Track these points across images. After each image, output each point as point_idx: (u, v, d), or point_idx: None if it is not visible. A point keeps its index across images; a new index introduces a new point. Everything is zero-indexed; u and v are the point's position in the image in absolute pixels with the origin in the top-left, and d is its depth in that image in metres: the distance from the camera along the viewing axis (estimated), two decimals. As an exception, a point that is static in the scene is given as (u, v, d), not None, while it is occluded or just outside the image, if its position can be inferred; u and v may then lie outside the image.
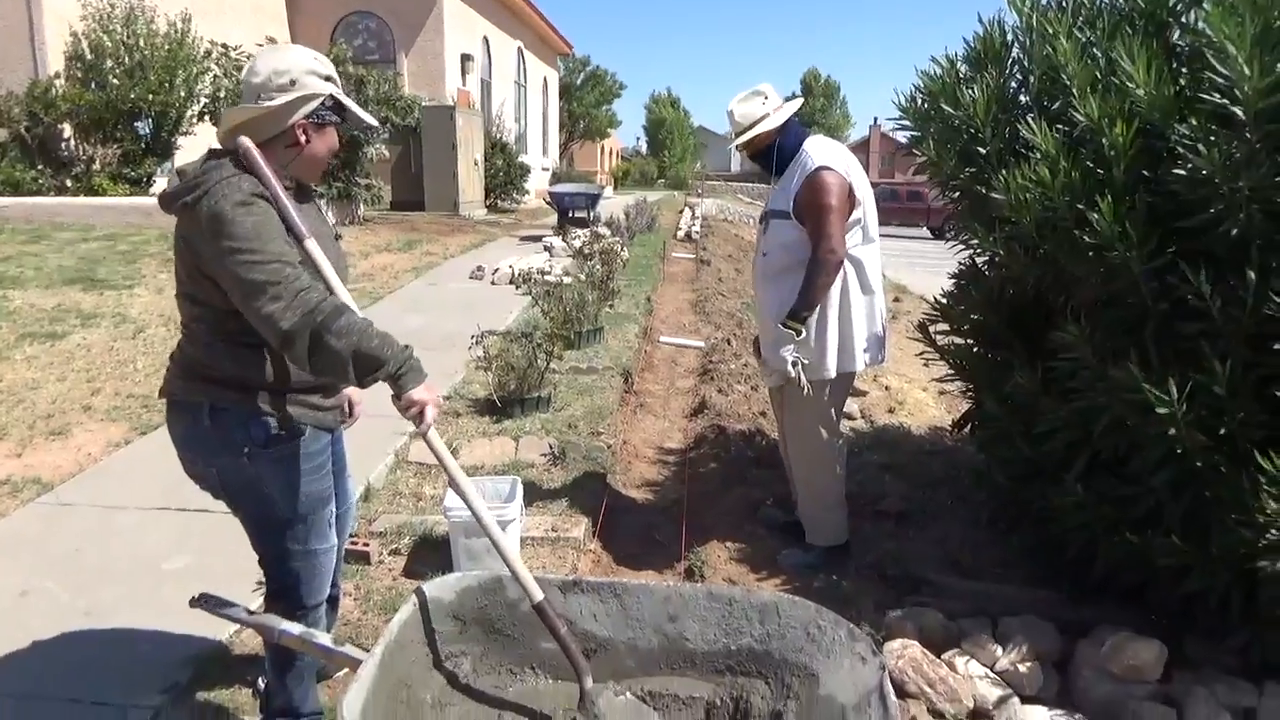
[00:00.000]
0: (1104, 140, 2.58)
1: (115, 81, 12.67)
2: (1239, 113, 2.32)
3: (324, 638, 2.14)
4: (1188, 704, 2.57)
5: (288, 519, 2.16)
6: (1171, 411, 2.39)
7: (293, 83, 2.01)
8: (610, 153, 56.29)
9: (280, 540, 2.19)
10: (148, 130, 13.18)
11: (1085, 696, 2.69)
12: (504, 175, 21.28)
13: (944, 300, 3.51)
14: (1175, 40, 2.77)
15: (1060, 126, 2.82)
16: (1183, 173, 2.44)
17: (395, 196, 18.09)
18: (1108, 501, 2.76)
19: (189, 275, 2.01)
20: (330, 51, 14.88)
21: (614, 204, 20.27)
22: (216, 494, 2.18)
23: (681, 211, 24.07)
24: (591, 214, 15.97)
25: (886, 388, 6.38)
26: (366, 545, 3.51)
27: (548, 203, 17.52)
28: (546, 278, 8.57)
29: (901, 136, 3.63)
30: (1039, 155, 2.74)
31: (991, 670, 2.78)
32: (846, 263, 3.25)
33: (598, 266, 8.37)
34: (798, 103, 3.45)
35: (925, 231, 27.17)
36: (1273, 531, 2.28)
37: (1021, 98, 3.20)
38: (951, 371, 3.62)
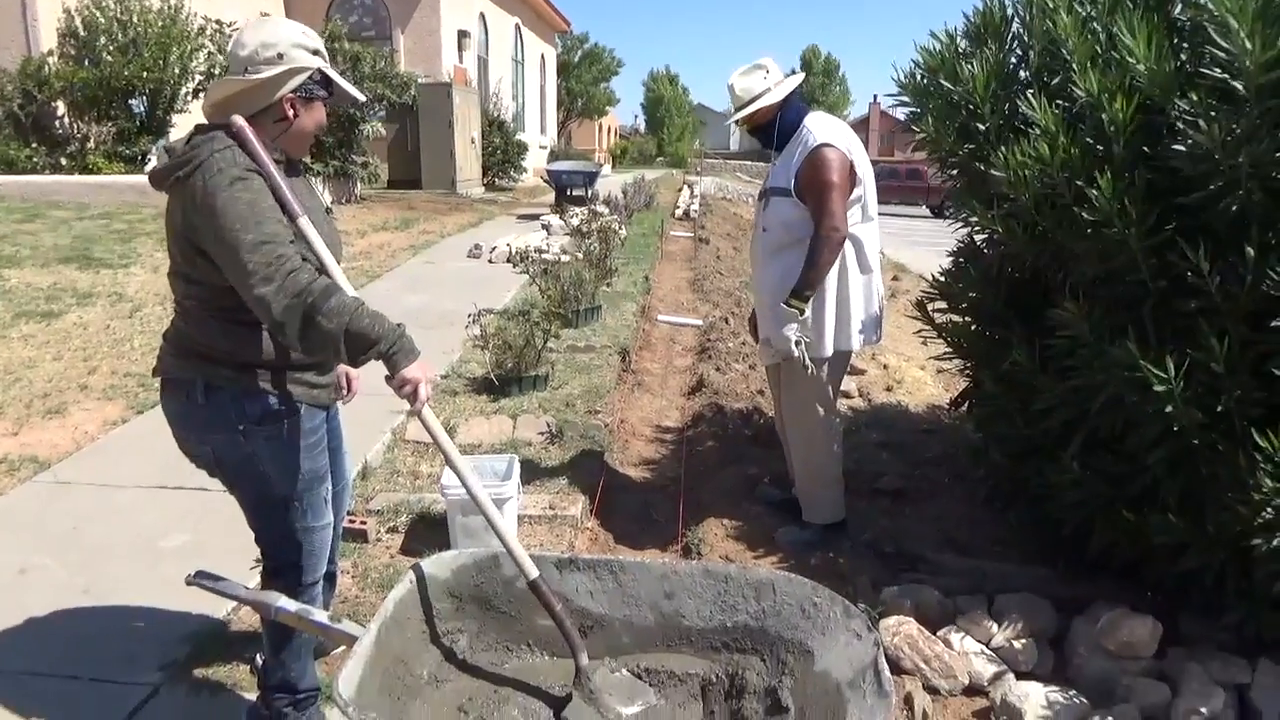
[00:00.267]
0: (1104, 116, 2.56)
1: (109, 58, 12.55)
2: (1240, 88, 2.30)
3: (320, 614, 2.15)
4: (1181, 680, 2.58)
5: (284, 496, 2.16)
6: (1169, 389, 2.39)
7: (280, 56, 1.99)
8: (608, 131, 56.04)
9: (277, 518, 2.19)
10: (142, 108, 13.07)
11: (1080, 673, 2.71)
12: (501, 153, 21.17)
13: (942, 278, 3.50)
14: (1176, 15, 2.75)
15: (1060, 102, 2.80)
16: (1183, 148, 2.42)
17: (392, 175, 18.00)
18: (1104, 479, 2.76)
19: (182, 253, 1.99)
20: (325, 28, 14.78)
21: (612, 182, 20.18)
22: (212, 472, 2.18)
23: (680, 190, 23.97)
24: (589, 192, 15.89)
25: (884, 366, 6.38)
26: (364, 523, 3.51)
27: (545, 181, 17.45)
28: (544, 256, 8.54)
29: (900, 113, 3.60)
30: (1038, 131, 2.72)
31: (987, 647, 2.79)
32: (846, 241, 3.24)
33: (595, 245, 8.35)
34: (799, 78, 3.42)
35: (924, 210, 27.08)
36: (1269, 509, 2.29)
37: (1021, 73, 3.18)
38: (949, 350, 3.61)
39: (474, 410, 5.01)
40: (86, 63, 12.71)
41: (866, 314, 3.38)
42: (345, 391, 2.41)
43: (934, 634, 2.82)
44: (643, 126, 64.14)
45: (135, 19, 12.95)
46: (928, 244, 15.31)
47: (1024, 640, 2.78)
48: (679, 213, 17.90)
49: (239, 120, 1.96)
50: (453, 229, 12.91)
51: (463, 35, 21.61)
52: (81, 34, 12.85)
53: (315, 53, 2.06)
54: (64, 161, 12.37)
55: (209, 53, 13.33)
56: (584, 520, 3.86)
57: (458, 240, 11.78)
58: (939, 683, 2.68)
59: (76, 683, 2.57)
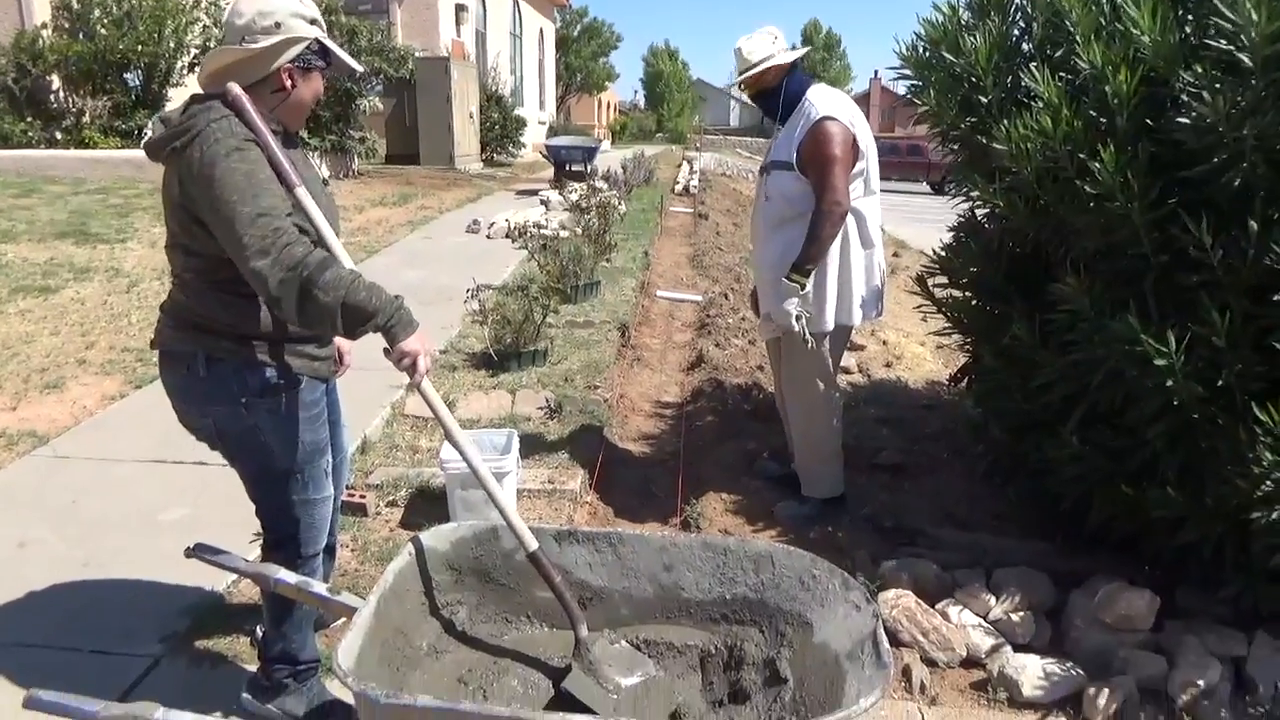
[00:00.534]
0: (1107, 88, 2.54)
1: (103, 31, 12.44)
2: (1246, 59, 2.28)
3: (320, 586, 2.15)
4: (1178, 653, 2.59)
5: (285, 469, 2.16)
6: (1170, 363, 2.38)
7: (278, 25, 1.96)
8: (608, 106, 55.67)
9: (277, 490, 2.19)
10: (137, 82, 12.98)
11: (1077, 645, 2.72)
12: (500, 128, 21.05)
13: (943, 253, 3.49)
14: (1181, -15, 2.72)
15: (1063, 74, 2.77)
16: (1187, 121, 2.40)
17: (390, 150, 17.91)
18: (1104, 454, 2.77)
19: (180, 225, 1.98)
20: (321, 1, 14.63)
21: (611, 158, 20.06)
22: (212, 444, 2.17)
23: (679, 166, 23.86)
24: (588, 168, 15.81)
25: (884, 342, 6.37)
26: (363, 497, 3.52)
27: (544, 156, 17.35)
28: (543, 232, 8.50)
29: (902, 87, 3.57)
30: (1041, 104, 2.70)
31: (984, 620, 2.80)
32: (848, 215, 3.22)
33: (594, 220, 8.31)
34: (806, 49, 3.39)
35: (925, 186, 26.98)
36: (1268, 483, 2.29)
37: (1024, 45, 3.15)
38: (949, 325, 3.60)
39: (473, 385, 5.01)
40: (81, 36, 12.60)
41: (868, 289, 3.37)
42: (337, 365, 2.40)
43: (932, 607, 2.83)
44: (642, 102, 63.77)
45: (129, -9, 12.82)
46: (929, 220, 15.27)
47: (1022, 613, 2.79)
48: (678, 188, 17.82)
49: (235, 88, 1.94)
50: (451, 204, 12.86)
51: (460, 9, 21.42)
52: (75, 7, 12.73)
53: (313, 22, 2.04)
54: (59, 136, 12.31)
55: (204, 26, 13.20)
56: (583, 494, 3.87)
57: (456, 216, 11.74)
58: (937, 655, 2.69)
59: (77, 655, 2.58)
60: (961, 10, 3.26)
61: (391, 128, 18.08)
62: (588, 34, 43.87)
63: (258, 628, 2.50)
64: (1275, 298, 2.36)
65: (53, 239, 7.94)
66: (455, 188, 14.81)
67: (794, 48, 3.37)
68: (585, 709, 1.91)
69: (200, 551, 2.32)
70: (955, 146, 3.39)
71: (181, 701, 2.31)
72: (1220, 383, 2.43)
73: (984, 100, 3.04)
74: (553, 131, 26.64)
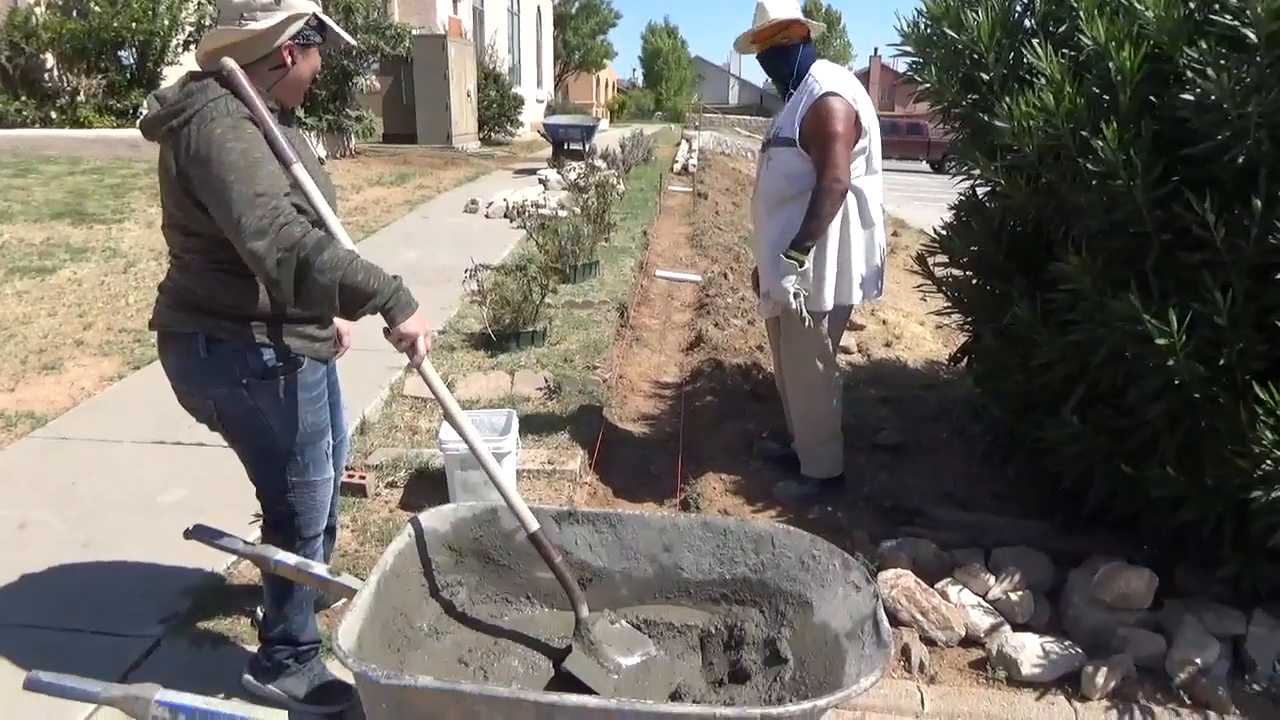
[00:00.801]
0: (1111, 64, 2.52)
1: (97, 9, 12.29)
2: (1250, 35, 2.26)
3: (320, 567, 2.15)
4: (1177, 631, 2.60)
5: (286, 450, 2.15)
6: (1171, 342, 2.37)
7: (277, 1, 1.94)
8: (606, 85, 55.33)
9: (278, 472, 2.18)
10: (132, 60, 12.86)
11: (1076, 624, 2.73)
12: (497, 107, 20.90)
13: (943, 232, 3.47)
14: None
15: (1066, 51, 2.75)
16: (1190, 98, 2.38)
17: (387, 129, 17.79)
18: (1104, 433, 2.76)
19: (178, 204, 1.96)
20: (317, -22, 14.47)
21: (610, 137, 19.98)
22: (213, 426, 2.17)
23: (678, 144, 23.75)
24: (587, 146, 15.73)
25: (884, 321, 6.36)
26: (363, 478, 3.51)
27: (542, 135, 17.26)
28: (541, 211, 8.47)
29: (902, 64, 3.54)
30: (1043, 81, 2.68)
31: (984, 599, 2.81)
32: (848, 193, 3.19)
33: (593, 200, 8.27)
34: (823, 25, 3.35)
35: (925, 165, 26.88)
36: (1268, 462, 2.28)
37: (1026, 21, 3.12)
38: (949, 304, 3.59)
39: (472, 366, 5.00)
40: (74, 14, 12.46)
41: (867, 268, 3.35)
42: (338, 346, 2.39)
43: (931, 587, 2.83)
44: (641, 80, 63.35)
45: (123, -32, 12.68)
46: (924, 197, 15.21)
47: (1020, 592, 2.79)
48: (677, 167, 17.75)
49: (231, 64, 1.92)
50: (449, 184, 12.80)
51: (457, -14, 21.24)
52: (68, -17, 12.59)
53: None
54: (54, 115, 12.19)
55: (199, 3, 13.07)
56: (583, 475, 3.87)
57: (454, 195, 11.68)
58: (936, 634, 2.70)
59: (78, 635, 2.58)
60: (963, -14, 3.22)
61: (388, 106, 17.96)
62: (586, 11, 43.44)
63: (258, 608, 2.51)
64: (1278, 276, 2.35)
65: (49, 219, 7.90)
66: (453, 167, 14.74)
67: None
68: (586, 689, 1.91)
69: (199, 533, 2.32)
70: (956, 124, 3.36)
71: (182, 682, 2.31)
72: (1221, 362, 2.42)
73: (986, 77, 3.02)
74: (551, 110, 26.50)
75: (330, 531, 2.50)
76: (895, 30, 3.30)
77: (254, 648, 2.44)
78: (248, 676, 2.34)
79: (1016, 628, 2.72)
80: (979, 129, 3.07)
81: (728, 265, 7.98)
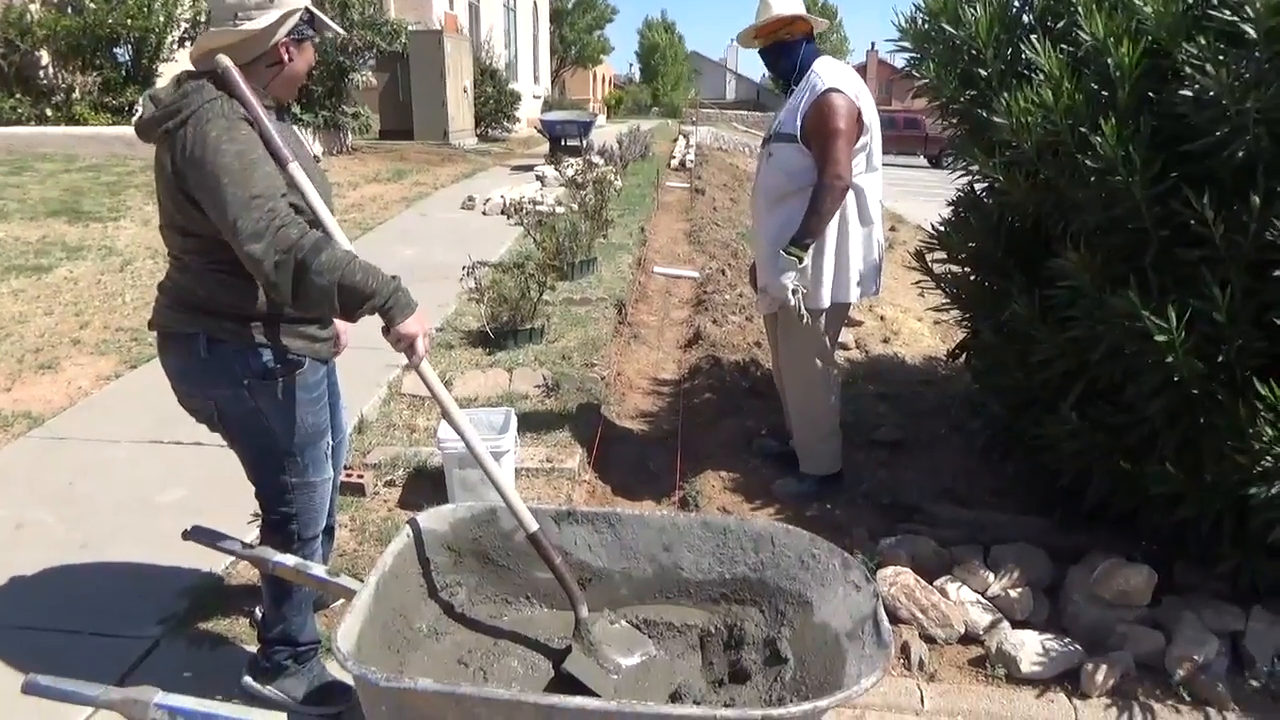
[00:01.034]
0: (1109, 60, 2.51)
1: (92, 5, 12.25)
2: (1249, 30, 2.26)
3: (319, 568, 2.15)
4: (1176, 628, 2.60)
5: (286, 451, 2.14)
6: (1170, 339, 2.37)
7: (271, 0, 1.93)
8: (603, 80, 55.26)
9: (278, 472, 2.18)
10: (128, 57, 12.82)
11: (1075, 621, 2.73)
12: (494, 103, 20.89)
13: (942, 228, 3.46)
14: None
15: (1064, 46, 2.74)
16: (1189, 94, 2.38)
17: (384, 125, 17.76)
18: (1102, 429, 2.76)
19: (176, 207, 1.95)
20: (313, -26, 14.43)
21: (607, 132, 19.95)
22: (213, 426, 2.16)
23: (675, 140, 23.73)
24: (584, 142, 15.72)
25: (881, 317, 6.36)
26: (361, 477, 3.51)
27: (539, 131, 17.26)
28: (539, 208, 8.45)
29: (900, 60, 3.53)
30: (1042, 76, 2.67)
31: (983, 596, 2.81)
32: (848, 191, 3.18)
33: (590, 196, 8.26)
34: (826, 23, 3.35)
35: (922, 160, 26.87)
36: (1267, 459, 2.28)
37: (1025, 17, 3.12)
38: (948, 300, 3.58)
39: (470, 363, 4.99)
40: (69, 10, 12.42)
41: (865, 266, 3.34)
42: (338, 346, 2.38)
43: (930, 584, 2.83)
44: (638, 75, 63.26)
45: (117, -36, 12.62)
46: (924, 195, 15.21)
47: (1020, 589, 2.79)
48: (674, 163, 17.74)
49: (226, 62, 1.91)
50: (446, 180, 12.78)
51: (453, -19, 21.18)
52: (63, -20, 12.54)
53: None
54: (49, 112, 12.15)
55: (193, 0, 13.04)
56: (581, 473, 3.86)
57: (451, 192, 11.67)
58: (935, 632, 2.70)
59: (77, 637, 2.58)
60: (961, -19, 3.21)
61: (385, 103, 17.93)
62: (582, 6, 43.37)
63: (257, 609, 2.50)
64: (1276, 273, 2.34)
65: (45, 217, 7.88)
66: (450, 163, 14.72)
67: None
68: (586, 690, 1.91)
69: (198, 535, 2.31)
70: (955, 120, 3.36)
71: (181, 683, 2.32)
72: (1220, 359, 2.42)
73: (984, 73, 3.01)
74: (548, 106, 26.48)
75: (329, 532, 2.50)
76: (893, 25, 3.30)
77: (253, 648, 2.43)
78: (247, 678, 2.34)
79: (1016, 625, 2.72)
80: (977, 125, 3.06)
81: (725, 261, 7.97)
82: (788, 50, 3.28)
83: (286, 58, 2.01)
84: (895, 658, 2.59)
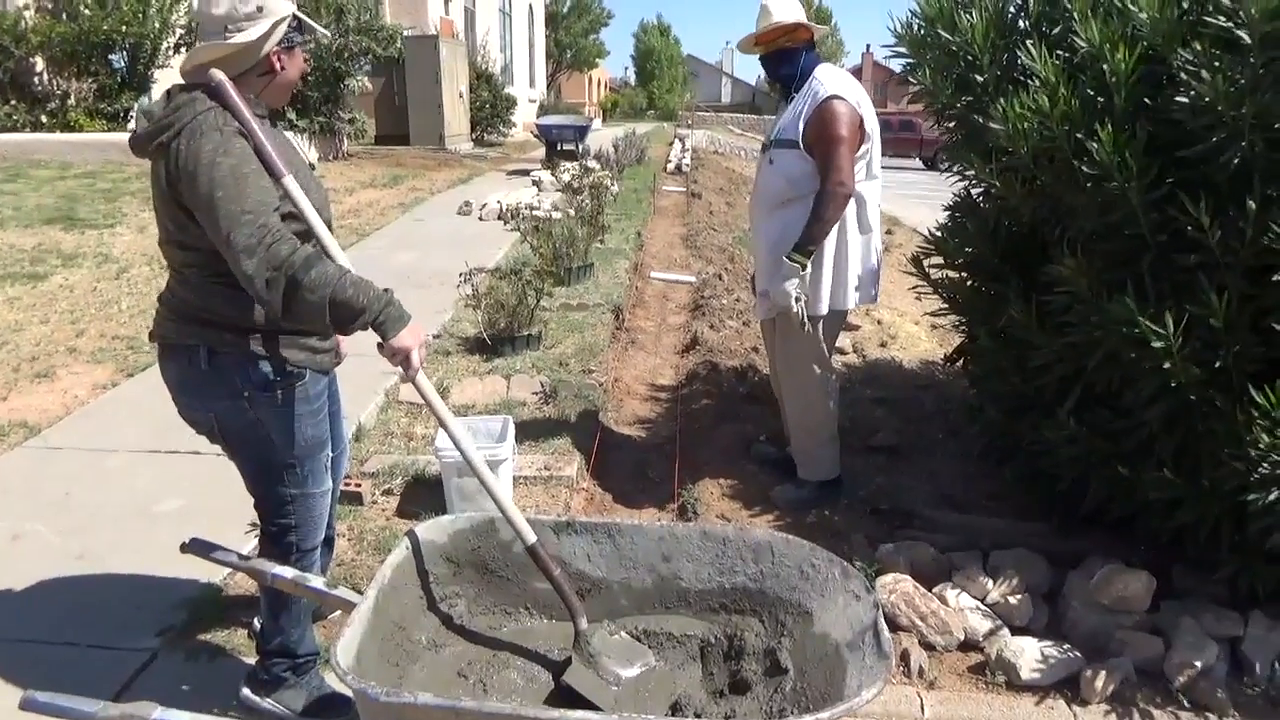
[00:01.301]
0: (1105, 66, 2.51)
1: (86, 12, 12.24)
2: (1244, 36, 2.26)
3: (317, 581, 2.14)
4: (1174, 633, 2.60)
5: (286, 463, 2.14)
6: (1167, 345, 2.37)
7: (260, 9, 1.92)
8: (598, 84, 55.28)
9: (278, 484, 2.17)
10: (123, 63, 12.80)
11: (1074, 627, 2.73)
12: (490, 108, 20.88)
13: (938, 233, 3.46)
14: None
15: (1060, 52, 2.75)
16: (1185, 100, 2.38)
17: (379, 130, 17.77)
18: (1100, 435, 2.76)
19: (173, 219, 1.94)
20: (307, -21, 14.45)
21: (603, 136, 19.96)
22: (212, 438, 2.15)
23: (671, 144, 23.72)
24: (580, 147, 15.73)
25: (879, 322, 6.36)
26: (359, 486, 3.50)
27: (535, 136, 17.24)
28: (535, 213, 8.46)
29: (895, 64, 3.53)
30: (1038, 82, 2.67)
31: (982, 603, 2.81)
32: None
33: (587, 201, 8.26)
34: (827, 30, 3.35)
35: (917, 162, 26.89)
36: (1265, 465, 2.28)
37: (1021, 23, 3.12)
38: (945, 305, 3.59)
39: (467, 370, 4.98)
40: (64, 17, 12.40)
41: (864, 272, 3.35)
42: (338, 356, 2.37)
43: (930, 590, 2.83)
44: (633, 79, 63.31)
45: (112, -30, 12.61)
46: (920, 198, 15.22)
47: (1019, 596, 2.79)
48: (671, 167, 17.73)
49: (219, 75, 1.90)
50: (442, 185, 12.78)
51: (448, -14, 21.19)
52: (58, -13, 12.53)
53: None
54: (44, 119, 12.14)
55: (189, 6, 13.02)
56: (580, 480, 3.86)
57: (447, 197, 11.66)
58: (935, 639, 2.70)
59: (74, 649, 2.57)
60: (957, -14, 3.22)
61: (380, 108, 17.92)
62: (578, 10, 43.36)
63: (256, 620, 2.49)
64: (1273, 278, 2.34)
65: (40, 224, 7.86)
66: (446, 168, 14.71)
67: None
68: (586, 702, 1.91)
69: (196, 547, 2.30)
70: (951, 125, 3.36)
71: (179, 696, 2.32)
72: (1218, 364, 2.42)
73: (980, 79, 3.01)
74: (543, 110, 26.48)
75: (328, 543, 2.50)
76: (888, 30, 3.30)
77: (252, 660, 2.42)
78: (245, 690, 2.33)
79: (1015, 631, 2.72)
80: (973, 131, 3.07)
81: (722, 266, 7.97)
82: (789, 57, 3.28)
83: (278, 66, 2.01)
84: (895, 665, 2.59)
